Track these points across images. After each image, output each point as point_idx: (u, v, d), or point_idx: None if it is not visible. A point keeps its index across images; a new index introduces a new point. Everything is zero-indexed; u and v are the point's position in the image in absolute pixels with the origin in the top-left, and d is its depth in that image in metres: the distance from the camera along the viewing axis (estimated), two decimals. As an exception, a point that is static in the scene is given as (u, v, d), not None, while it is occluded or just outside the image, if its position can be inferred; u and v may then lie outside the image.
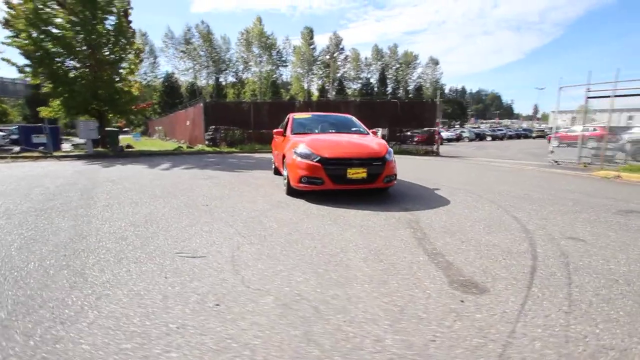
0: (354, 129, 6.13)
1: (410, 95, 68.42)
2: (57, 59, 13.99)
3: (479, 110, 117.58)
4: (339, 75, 67.54)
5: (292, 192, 5.10)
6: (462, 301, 1.99)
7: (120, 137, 18.14)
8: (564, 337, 1.65)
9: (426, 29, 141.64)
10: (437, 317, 1.82)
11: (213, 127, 18.11)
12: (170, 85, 54.49)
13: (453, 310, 1.88)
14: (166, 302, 1.99)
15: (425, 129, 17.09)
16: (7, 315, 1.86)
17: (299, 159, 4.78)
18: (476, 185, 6.31)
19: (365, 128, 6.22)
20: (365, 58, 71.18)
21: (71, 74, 14.67)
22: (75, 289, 2.16)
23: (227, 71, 59.90)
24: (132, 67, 17.15)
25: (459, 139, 34.61)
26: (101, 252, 2.80)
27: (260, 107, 19.95)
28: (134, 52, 16.69)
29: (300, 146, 4.92)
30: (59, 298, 2.04)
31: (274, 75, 61.62)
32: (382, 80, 70.12)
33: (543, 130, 46.11)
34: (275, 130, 6.13)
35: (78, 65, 14.88)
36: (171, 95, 50.31)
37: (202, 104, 18.29)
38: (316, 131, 5.85)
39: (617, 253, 2.77)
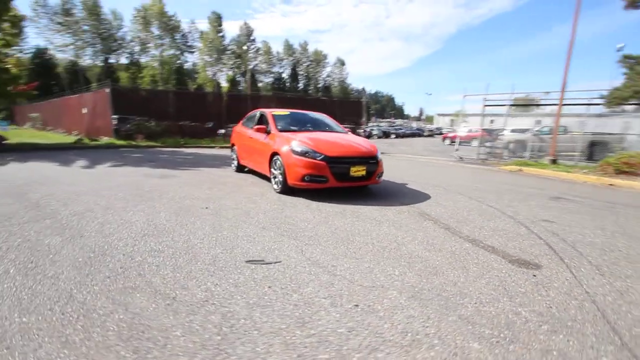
0: (333, 128, 6.34)
1: (319, 93, 71.06)
2: None
3: (378, 110, 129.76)
4: (250, 67, 65.70)
5: (286, 190, 5.05)
6: (534, 275, 2.49)
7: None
8: (618, 292, 2.27)
9: (330, 30, 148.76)
10: (533, 290, 2.26)
11: (117, 116, 15.63)
12: (43, 63, 44.33)
13: (537, 283, 2.35)
14: (304, 309, 1.94)
15: (352, 125, 18.30)
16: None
17: (300, 157, 4.77)
18: (431, 180, 7.25)
19: (343, 127, 6.49)
20: (277, 52, 70.91)
21: None
22: (181, 312, 1.90)
23: (119, 52, 51.86)
24: (8, 38, 13.62)
25: (369, 136, 37.75)
26: (153, 269, 2.43)
27: (183, 97, 18.20)
28: (10, 20, 13.27)
29: (299, 144, 4.90)
30: (179, 324, 1.78)
31: (178, 61, 56.19)
32: (294, 76, 71.06)
33: (432, 130, 53.85)
34: (255, 127, 5.87)
35: None
36: (45, 76, 40.94)
37: (108, 90, 15.65)
38: (302, 129, 5.84)
39: (583, 230, 3.73)
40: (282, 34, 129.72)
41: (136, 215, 3.83)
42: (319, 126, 6.21)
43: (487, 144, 15.00)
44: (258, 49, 66.77)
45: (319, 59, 74.47)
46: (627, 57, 9.39)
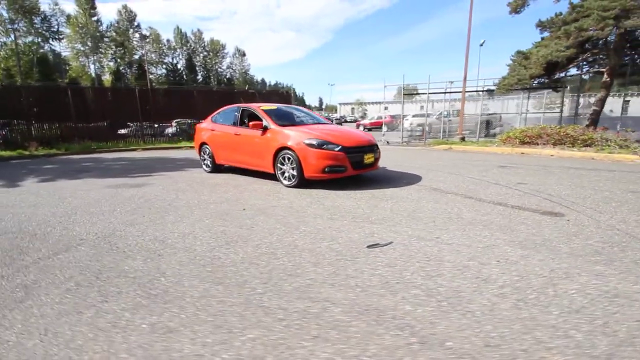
0: (321, 120, 6.55)
1: (222, 85, 67.58)
2: None
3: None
4: (136, 57, 58.11)
5: (301, 183, 5.14)
6: (568, 220, 3.37)
7: None
8: (623, 221, 3.29)
9: (219, 17, 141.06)
10: (580, 230, 3.09)
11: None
12: None
13: (576, 225, 3.22)
14: (469, 272, 2.32)
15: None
16: None
17: (318, 149, 4.92)
18: (398, 162, 8.14)
19: (324, 118, 6.75)
20: (168, 40, 64.24)
21: None
22: (397, 291, 2.06)
23: (-53, 37, 39.46)
24: None
25: (285, 127, 38.08)
26: (294, 269, 2.45)
27: (81, 93, 15.28)
28: None
29: (314, 138, 5.03)
30: (399, 302, 1.96)
31: (41, 50, 45.93)
32: (191, 67, 65.71)
33: (339, 119, 57.30)
34: (251, 123, 5.63)
35: None
36: None
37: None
38: (296, 123, 5.90)
39: (551, 186, 4.96)
40: (164, 20, 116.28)
41: (181, 226, 3.49)
42: (308, 119, 6.35)
43: (408, 127, 17.11)
44: (145, 37, 59.30)
45: (216, 49, 70.42)
46: (519, 52, 12.03)
